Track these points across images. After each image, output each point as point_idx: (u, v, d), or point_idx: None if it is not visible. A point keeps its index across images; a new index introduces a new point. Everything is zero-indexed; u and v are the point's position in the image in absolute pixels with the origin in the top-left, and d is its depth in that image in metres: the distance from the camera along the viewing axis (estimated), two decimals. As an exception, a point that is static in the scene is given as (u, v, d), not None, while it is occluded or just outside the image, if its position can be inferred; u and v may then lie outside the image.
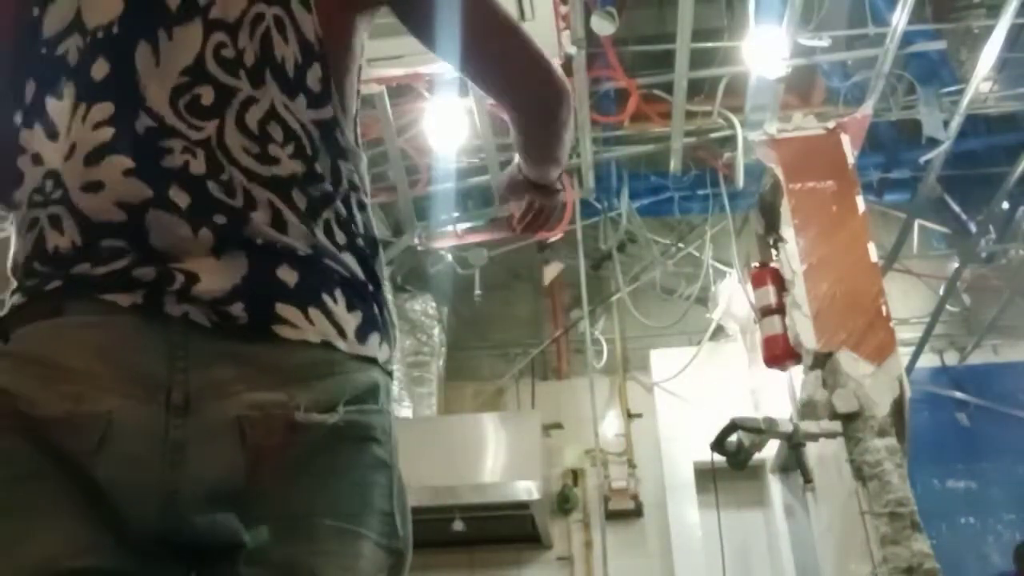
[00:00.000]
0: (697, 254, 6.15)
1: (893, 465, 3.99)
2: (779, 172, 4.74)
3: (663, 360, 6.27)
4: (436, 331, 6.51)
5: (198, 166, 1.02)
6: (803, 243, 4.52)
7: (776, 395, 5.27)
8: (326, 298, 1.03)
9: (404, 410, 5.98)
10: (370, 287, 1.13)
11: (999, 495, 5.94)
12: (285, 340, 0.99)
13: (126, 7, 1.07)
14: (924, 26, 4.86)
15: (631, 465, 6.07)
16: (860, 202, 4.60)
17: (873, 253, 4.48)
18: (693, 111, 5.12)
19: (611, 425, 6.25)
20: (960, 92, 4.80)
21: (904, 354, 5.09)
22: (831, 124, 4.84)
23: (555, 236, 5.71)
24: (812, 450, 4.33)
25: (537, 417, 5.92)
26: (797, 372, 4.63)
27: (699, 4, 4.24)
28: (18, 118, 1.07)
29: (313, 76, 1.11)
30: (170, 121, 1.03)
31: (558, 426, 6.19)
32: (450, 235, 5.94)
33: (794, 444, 3.96)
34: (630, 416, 6.29)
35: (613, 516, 5.91)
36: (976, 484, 5.98)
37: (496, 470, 5.54)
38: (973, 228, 5.81)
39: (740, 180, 5.17)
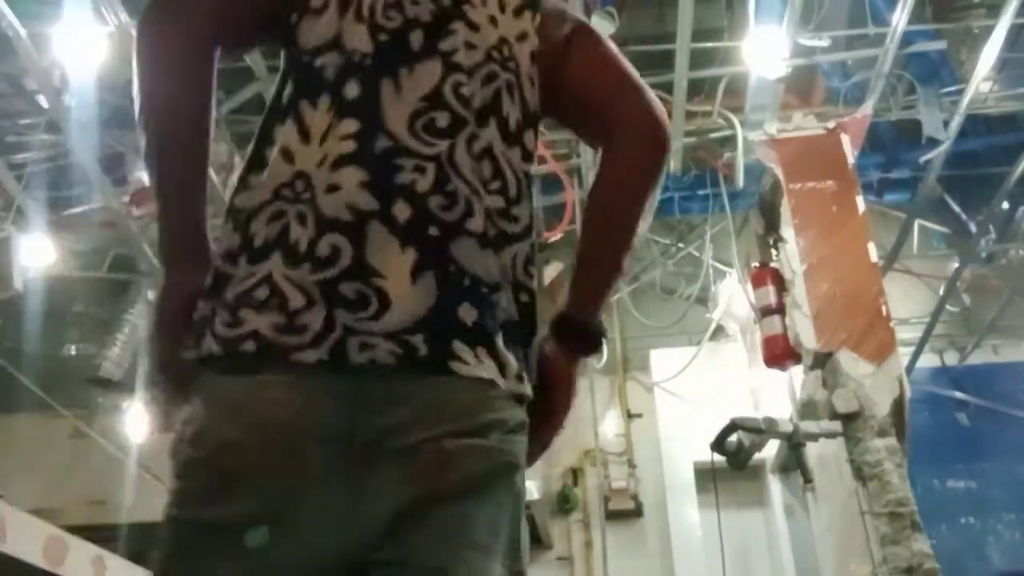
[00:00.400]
0: (697, 254, 6.15)
1: (893, 465, 3.99)
2: (779, 172, 4.74)
3: (663, 360, 6.27)
4: (436, 331, 6.51)
5: (424, 183, 1.17)
6: (803, 243, 4.52)
7: (776, 395, 5.27)
8: (496, 338, 1.15)
9: (404, 410, 5.99)
10: (527, 330, 1.24)
11: (999, 495, 5.93)
12: (456, 375, 1.10)
13: (376, 47, 1.24)
14: (924, 26, 4.86)
15: (631, 465, 6.07)
16: (860, 202, 4.60)
17: (873, 253, 4.48)
18: (693, 111, 5.12)
19: (611, 425, 6.25)
20: (960, 92, 4.80)
21: (904, 354, 5.09)
22: (831, 124, 4.84)
23: (555, 236, 5.71)
24: (812, 450, 4.33)
25: (537, 417, 5.92)
26: (797, 372, 4.63)
27: (699, 4, 4.24)
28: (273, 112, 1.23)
29: (529, 137, 1.32)
30: (405, 142, 1.18)
31: (558, 426, 6.18)
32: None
33: (794, 444, 3.96)
34: (630, 416, 6.29)
35: (613, 516, 5.91)
36: (976, 484, 5.98)
37: (496, 470, 5.54)
38: (973, 228, 5.81)
39: (740, 180, 5.17)
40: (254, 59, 4.39)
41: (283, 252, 1.11)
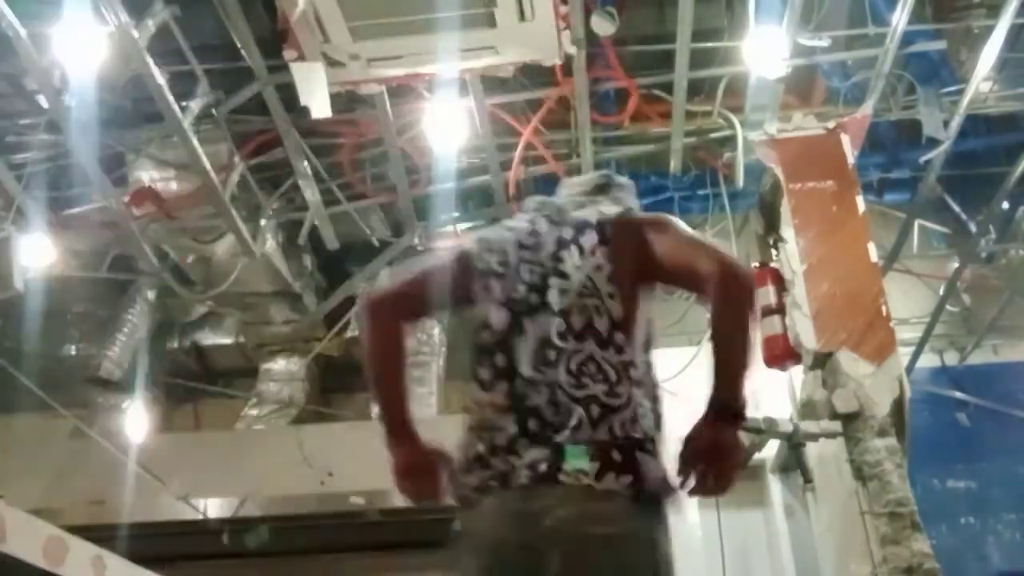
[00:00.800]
0: (697, 254, 6.14)
1: (893, 465, 3.99)
2: (779, 172, 4.74)
3: (663, 360, 6.24)
4: (436, 331, 6.51)
5: (541, 400, 1.97)
6: (803, 243, 4.52)
7: (776, 395, 5.27)
8: (623, 466, 1.93)
9: (404, 410, 5.98)
10: (641, 450, 1.98)
11: (999, 495, 5.93)
12: (605, 489, 1.88)
13: (511, 319, 2.08)
14: (924, 26, 4.85)
15: (631, 465, 6.06)
16: (860, 202, 4.60)
17: (873, 253, 4.48)
18: (693, 111, 5.12)
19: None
20: (960, 92, 4.80)
21: (904, 354, 5.09)
22: (831, 124, 4.84)
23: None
24: (812, 450, 4.33)
25: (537, 417, 5.92)
26: (797, 372, 4.63)
27: (699, 4, 4.24)
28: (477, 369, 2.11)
29: (618, 337, 2.03)
30: (530, 376, 2.00)
31: (558, 426, 6.18)
32: (450, 235, 5.94)
33: (794, 444, 3.96)
34: (630, 416, 6.29)
35: (613, 516, 5.90)
36: (976, 484, 5.98)
37: (496, 470, 5.54)
38: (973, 228, 5.81)
39: (740, 180, 5.17)
40: (254, 59, 4.39)
41: (485, 448, 2.02)
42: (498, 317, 2.08)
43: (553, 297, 2.06)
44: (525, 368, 1.99)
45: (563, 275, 2.09)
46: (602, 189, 2.35)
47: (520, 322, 2.05)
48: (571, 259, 2.11)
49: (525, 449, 1.94)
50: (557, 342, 2.00)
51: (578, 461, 1.89)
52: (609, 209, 2.23)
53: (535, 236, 2.19)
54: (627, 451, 1.93)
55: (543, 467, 1.90)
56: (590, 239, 2.12)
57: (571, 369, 1.97)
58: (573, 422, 1.92)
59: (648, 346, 2.15)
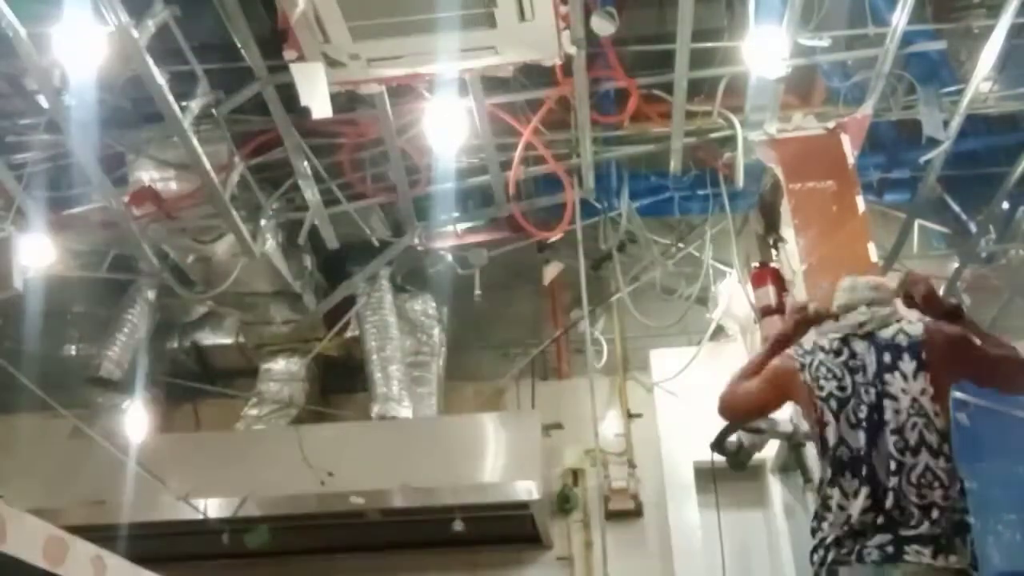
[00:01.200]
0: (697, 254, 6.14)
1: (893, 465, 3.98)
2: (779, 172, 4.74)
3: (663, 360, 6.26)
4: (436, 331, 6.51)
5: (890, 503, 2.59)
6: (803, 243, 4.52)
7: (776, 395, 5.25)
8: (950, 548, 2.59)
9: (404, 410, 5.98)
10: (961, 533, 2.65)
11: (999, 495, 5.92)
12: (942, 567, 2.53)
13: (866, 439, 2.68)
14: (924, 26, 4.85)
15: (631, 465, 6.07)
16: (860, 202, 4.60)
17: (873, 253, 4.48)
18: (693, 111, 5.11)
19: (611, 425, 6.25)
20: (960, 92, 4.80)
21: (904, 354, 5.08)
22: (831, 124, 4.84)
23: (555, 236, 5.71)
24: (812, 450, 4.32)
25: (537, 417, 5.91)
26: (797, 372, 4.61)
27: (699, 4, 4.24)
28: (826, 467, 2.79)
29: (945, 447, 2.61)
30: (883, 483, 2.60)
31: (558, 426, 6.18)
32: (450, 235, 5.94)
33: (794, 444, 3.96)
34: (630, 416, 6.29)
35: (613, 516, 5.90)
36: (976, 484, 5.96)
37: (496, 470, 5.54)
38: (973, 228, 5.80)
39: (740, 180, 5.17)
40: (254, 59, 4.39)
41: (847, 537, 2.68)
42: (853, 437, 2.72)
43: (888, 416, 2.67)
44: (878, 476, 2.65)
45: (892, 397, 2.70)
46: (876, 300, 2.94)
47: (870, 441, 2.68)
48: (896, 382, 2.72)
49: (874, 534, 2.61)
50: (896, 454, 2.63)
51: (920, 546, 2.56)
52: (910, 328, 2.82)
53: (858, 359, 2.81)
54: (953, 536, 2.60)
55: (890, 549, 2.56)
56: (909, 366, 2.74)
57: (912, 478, 2.61)
58: (914, 521, 2.59)
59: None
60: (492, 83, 4.74)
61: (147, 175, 5.10)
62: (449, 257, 6.30)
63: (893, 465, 2.60)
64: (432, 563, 6.13)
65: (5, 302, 4.98)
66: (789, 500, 5.78)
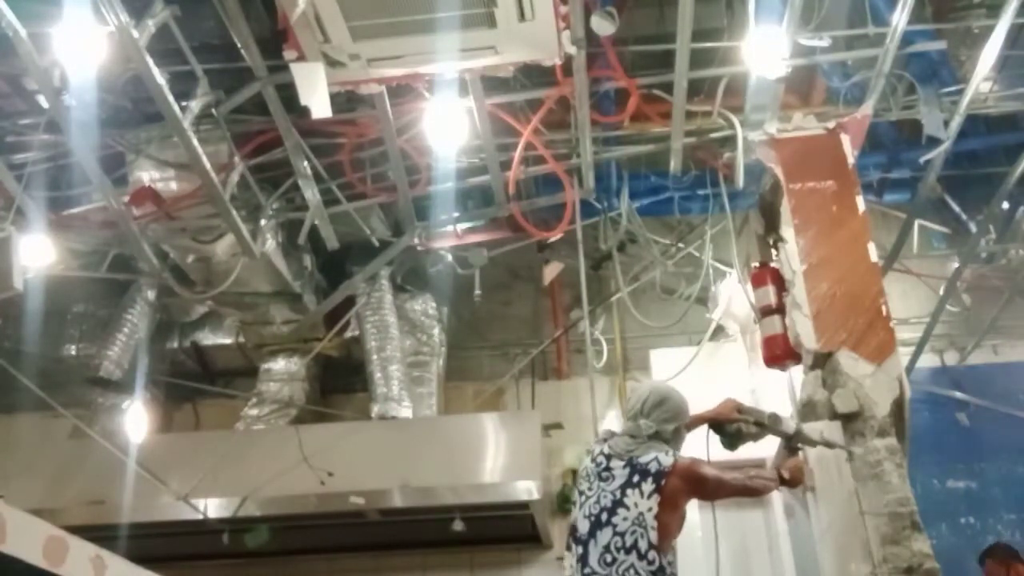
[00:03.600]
0: (697, 254, 6.14)
1: (893, 465, 3.99)
2: (779, 172, 4.73)
3: (663, 360, 6.26)
4: (436, 331, 6.51)
5: None
6: (803, 243, 4.51)
7: (776, 395, 5.27)
8: None
9: (404, 410, 5.99)
10: None
11: (999, 495, 5.93)
12: None
13: (588, 527, 3.38)
14: (924, 26, 4.85)
15: (631, 465, 6.06)
16: (860, 202, 4.59)
17: (873, 253, 4.48)
18: (693, 111, 5.11)
19: (611, 425, 6.24)
20: (960, 92, 4.80)
21: (904, 354, 5.09)
22: (831, 124, 4.84)
23: (555, 236, 5.71)
24: (812, 450, 4.32)
25: (537, 417, 5.92)
26: (797, 372, 4.63)
27: (699, 4, 4.24)
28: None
29: (652, 554, 3.23)
30: (596, 570, 3.29)
31: (558, 426, 6.18)
32: (450, 235, 5.94)
33: (791, 447, 3.95)
34: (630, 416, 6.28)
35: (613, 516, 5.89)
36: (976, 484, 5.98)
37: (496, 470, 5.54)
38: (973, 228, 5.81)
39: (740, 180, 5.17)
40: (254, 59, 4.39)
41: None
42: (582, 524, 3.41)
43: (617, 520, 3.31)
44: (593, 561, 3.29)
45: (626, 507, 3.33)
46: (656, 434, 3.58)
47: (593, 532, 3.35)
48: (633, 496, 3.34)
49: None
50: (614, 552, 3.26)
51: None
52: (664, 459, 3.41)
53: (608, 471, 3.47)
54: None
55: None
56: (649, 487, 3.34)
57: (622, 568, 3.23)
58: None
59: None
60: (492, 83, 4.74)
61: (147, 175, 5.10)
62: (449, 257, 6.30)
63: (608, 558, 3.26)
64: (432, 563, 6.13)
65: (5, 302, 4.98)
66: (789, 500, 5.78)
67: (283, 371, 6.54)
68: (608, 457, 3.49)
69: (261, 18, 4.37)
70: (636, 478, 3.36)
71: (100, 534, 3.93)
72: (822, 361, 4.28)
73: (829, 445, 3.95)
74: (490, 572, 6.10)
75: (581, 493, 3.49)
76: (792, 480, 3.69)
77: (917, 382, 5.52)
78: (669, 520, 3.30)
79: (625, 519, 3.28)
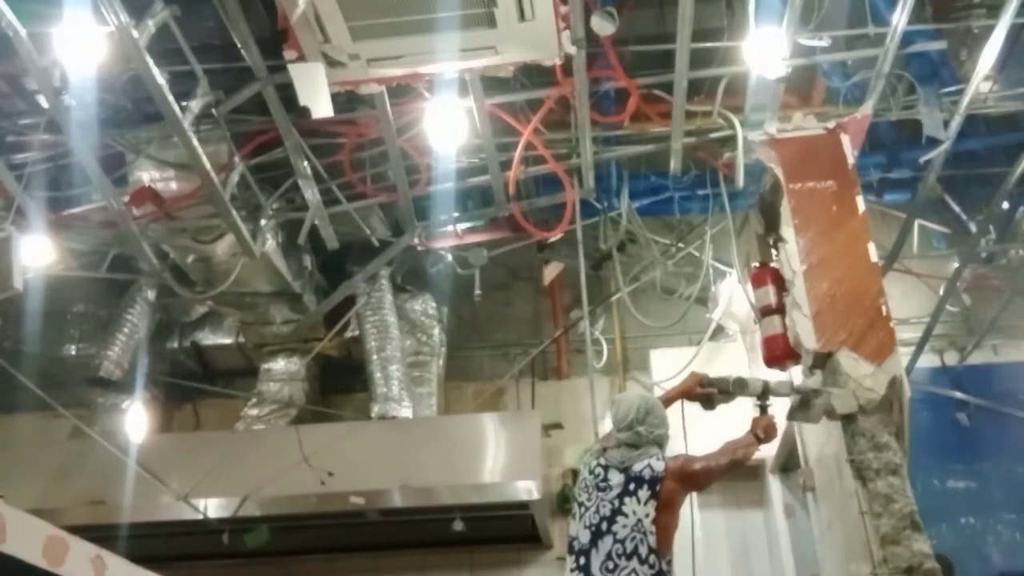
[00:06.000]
0: (697, 254, 6.14)
1: (893, 465, 3.98)
2: (779, 172, 4.73)
3: (663, 360, 6.27)
4: (436, 331, 6.51)
5: None
6: (803, 243, 4.51)
7: (776, 395, 5.25)
8: None
9: (404, 410, 5.99)
10: None
11: (999, 495, 5.93)
12: None
13: (589, 536, 3.52)
14: (924, 26, 4.85)
15: (631, 465, 6.06)
16: (860, 202, 4.59)
17: (873, 253, 4.47)
18: (693, 111, 5.11)
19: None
20: (960, 92, 4.80)
21: (904, 354, 5.08)
22: (831, 124, 4.84)
23: (555, 236, 5.71)
24: (812, 450, 4.33)
25: (537, 417, 5.92)
26: (797, 372, 4.62)
27: (699, 4, 4.23)
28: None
29: (652, 557, 3.40)
30: (597, 574, 3.43)
31: (558, 426, 6.19)
32: (450, 235, 5.94)
33: (762, 406, 3.97)
34: (630, 416, 6.28)
35: (613, 516, 5.89)
36: (976, 484, 5.97)
37: (496, 470, 5.54)
38: (973, 228, 5.80)
39: (740, 180, 5.16)
40: (254, 59, 4.39)
41: None
42: (582, 533, 3.55)
43: (616, 527, 3.45)
44: (595, 567, 3.43)
45: (624, 514, 3.47)
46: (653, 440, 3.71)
47: (594, 540, 3.49)
48: (632, 503, 3.48)
49: None
50: (615, 558, 3.41)
51: None
52: (656, 465, 3.56)
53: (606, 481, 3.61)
54: None
55: None
56: (645, 493, 3.49)
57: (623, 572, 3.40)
58: None
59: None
60: (492, 83, 4.74)
61: (147, 175, 5.10)
62: (449, 257, 6.30)
63: (611, 565, 3.40)
64: (432, 563, 6.13)
65: (5, 302, 4.98)
66: (789, 500, 5.79)
67: (283, 371, 6.54)
68: (605, 468, 3.66)
69: (261, 18, 4.37)
70: (632, 486, 3.52)
71: (100, 534, 3.94)
72: (822, 361, 4.28)
73: (800, 392, 4.08)
74: (490, 572, 6.11)
75: (580, 504, 3.64)
76: (767, 436, 3.82)
77: (917, 382, 5.51)
78: (667, 522, 3.48)
79: (624, 526, 3.44)
